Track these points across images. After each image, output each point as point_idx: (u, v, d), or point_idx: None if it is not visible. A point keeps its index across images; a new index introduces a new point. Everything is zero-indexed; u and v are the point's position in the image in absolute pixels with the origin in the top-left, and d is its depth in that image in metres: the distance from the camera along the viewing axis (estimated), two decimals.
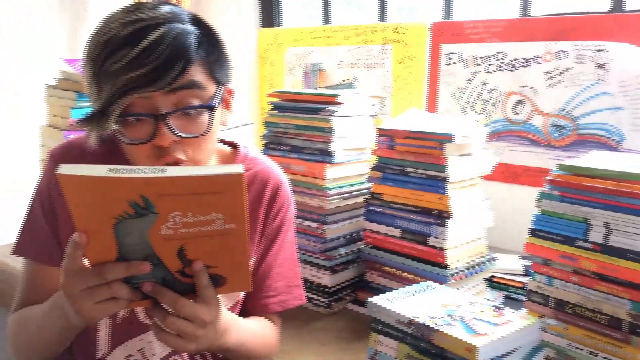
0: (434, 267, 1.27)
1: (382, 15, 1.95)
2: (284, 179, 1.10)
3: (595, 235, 0.99)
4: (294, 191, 1.43)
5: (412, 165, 1.30)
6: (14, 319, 0.97)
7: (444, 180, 1.25)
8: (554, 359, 1.06)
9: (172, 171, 0.69)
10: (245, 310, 1.08)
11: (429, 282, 1.17)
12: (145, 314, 0.98)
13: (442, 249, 1.25)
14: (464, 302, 1.06)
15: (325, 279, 1.39)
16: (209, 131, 0.88)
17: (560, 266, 1.04)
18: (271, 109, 1.50)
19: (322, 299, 1.39)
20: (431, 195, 1.27)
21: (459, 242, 1.28)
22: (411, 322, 0.99)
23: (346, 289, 1.43)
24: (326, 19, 2.08)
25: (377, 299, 1.08)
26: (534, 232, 1.07)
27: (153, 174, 0.68)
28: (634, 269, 0.94)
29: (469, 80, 1.72)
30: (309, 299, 1.41)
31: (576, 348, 1.03)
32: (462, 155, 1.30)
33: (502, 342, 0.92)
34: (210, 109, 0.88)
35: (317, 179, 1.40)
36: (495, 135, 1.69)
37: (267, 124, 1.50)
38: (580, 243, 1.01)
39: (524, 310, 1.12)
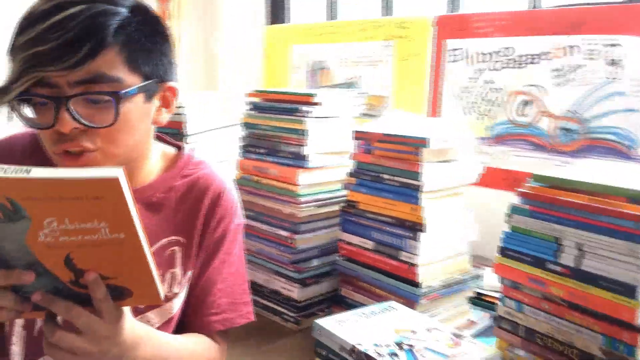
0: (405, 284, 1.15)
1: (387, 10, 1.83)
2: (229, 185, 1.01)
3: (566, 258, 0.85)
4: (267, 197, 1.35)
5: (387, 171, 1.19)
6: None
7: (418, 189, 1.13)
8: None
9: (37, 172, 0.61)
10: (186, 327, 1.00)
11: (391, 303, 1.07)
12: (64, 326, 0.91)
13: (414, 265, 1.13)
14: (421, 327, 0.95)
15: (295, 292, 1.29)
16: (113, 123, 0.80)
17: (530, 291, 0.91)
18: (250, 109, 1.42)
19: (290, 314, 1.29)
20: (405, 205, 1.15)
21: (435, 258, 1.16)
22: (353, 350, 0.89)
23: (320, 303, 1.33)
24: (331, 14, 1.98)
25: (324, 321, 0.98)
26: (503, 251, 0.95)
27: (14, 175, 0.60)
28: (606, 299, 0.81)
29: (473, 78, 1.58)
30: (278, 313, 1.32)
31: None
32: (442, 161, 1.18)
33: None
34: (116, 97, 0.80)
35: (289, 184, 1.30)
36: (499, 139, 1.54)
37: (246, 125, 1.42)
38: (550, 265, 0.88)
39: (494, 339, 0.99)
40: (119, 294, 0.73)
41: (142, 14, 0.85)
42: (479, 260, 1.29)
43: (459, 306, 1.22)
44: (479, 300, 1.29)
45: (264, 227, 1.35)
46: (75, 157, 0.82)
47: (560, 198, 0.86)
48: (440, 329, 0.94)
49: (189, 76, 2.21)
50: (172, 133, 1.55)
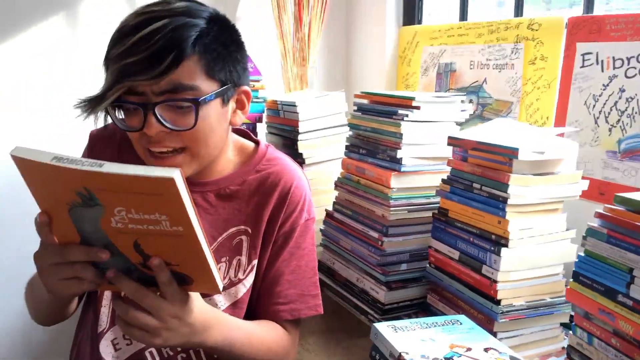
0: (486, 299, 1.10)
1: (518, 10, 1.73)
2: (300, 182, 1.05)
3: (638, 290, 0.76)
4: (364, 197, 1.37)
5: (478, 180, 1.15)
6: (29, 281, 1.08)
7: (505, 201, 1.07)
8: None
9: (107, 167, 0.69)
10: (257, 316, 1.06)
11: (459, 317, 1.04)
12: None
13: (495, 281, 1.08)
14: (478, 346, 0.92)
15: (381, 294, 1.29)
16: (194, 126, 0.89)
17: (601, 323, 0.83)
18: (355, 110, 1.45)
19: (376, 315, 1.30)
20: (491, 217, 1.10)
21: (520, 276, 1.09)
22: (399, 358, 0.88)
23: (406, 308, 1.32)
24: (463, 15, 1.92)
25: (381, 325, 0.99)
26: (576, 276, 0.87)
27: (90, 168, 0.69)
28: None
29: (605, 85, 1.44)
30: (365, 313, 1.34)
31: None
32: (538, 174, 1.10)
33: None
34: (196, 104, 0.88)
35: (383, 186, 1.31)
36: (630, 153, 1.39)
37: (351, 125, 1.45)
38: (621, 298, 0.79)
39: None
40: (182, 280, 0.81)
41: (218, 24, 0.92)
42: None
43: (549, 330, 1.14)
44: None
45: (359, 226, 1.38)
46: (162, 158, 0.91)
47: (636, 224, 0.77)
48: (499, 350, 0.89)
49: (327, 76, 2.28)
50: (289, 130, 1.64)
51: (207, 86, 0.90)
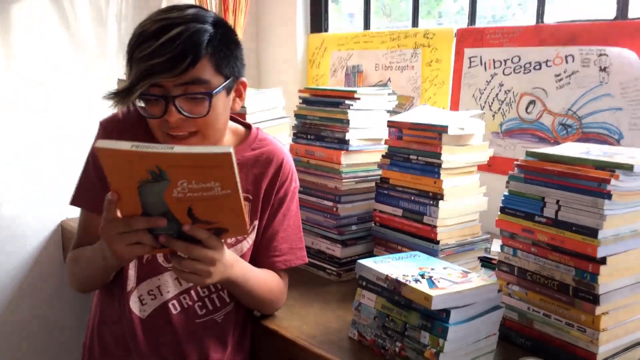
0: (427, 242, 1.44)
1: (415, 22, 2.13)
2: (287, 157, 1.31)
3: (548, 211, 1.14)
4: (315, 174, 1.65)
5: (415, 153, 1.48)
6: (70, 257, 1.23)
7: (439, 166, 1.42)
8: (516, 321, 1.22)
9: (179, 149, 0.88)
10: (257, 266, 1.30)
11: (416, 252, 1.36)
12: (164, 259, 1.21)
13: (435, 227, 1.42)
14: (438, 266, 1.24)
15: (337, 251, 1.59)
16: (207, 114, 1.09)
17: (523, 239, 1.20)
18: (300, 103, 1.73)
19: (333, 269, 1.59)
20: (428, 179, 1.45)
21: (451, 222, 1.45)
22: (387, 278, 1.18)
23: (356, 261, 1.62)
24: (366, 25, 2.29)
25: (364, 261, 1.28)
26: (503, 210, 1.23)
27: (164, 150, 0.88)
28: (577, 240, 1.09)
29: (488, 81, 1.87)
30: (323, 269, 1.62)
31: (534, 311, 1.18)
32: (459, 145, 1.47)
33: (456, 296, 1.09)
34: (209, 96, 1.08)
35: (334, 163, 1.60)
36: (509, 133, 1.83)
37: (297, 116, 1.73)
38: (537, 218, 1.16)
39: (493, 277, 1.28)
40: (218, 232, 1.03)
41: (222, 27, 1.12)
42: (489, 232, 1.58)
43: (470, 263, 1.51)
44: (487, 263, 1.57)
45: (312, 199, 1.66)
46: (180, 140, 1.11)
47: (545, 167, 1.15)
48: (453, 268, 1.23)
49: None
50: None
51: (216, 80, 1.10)
